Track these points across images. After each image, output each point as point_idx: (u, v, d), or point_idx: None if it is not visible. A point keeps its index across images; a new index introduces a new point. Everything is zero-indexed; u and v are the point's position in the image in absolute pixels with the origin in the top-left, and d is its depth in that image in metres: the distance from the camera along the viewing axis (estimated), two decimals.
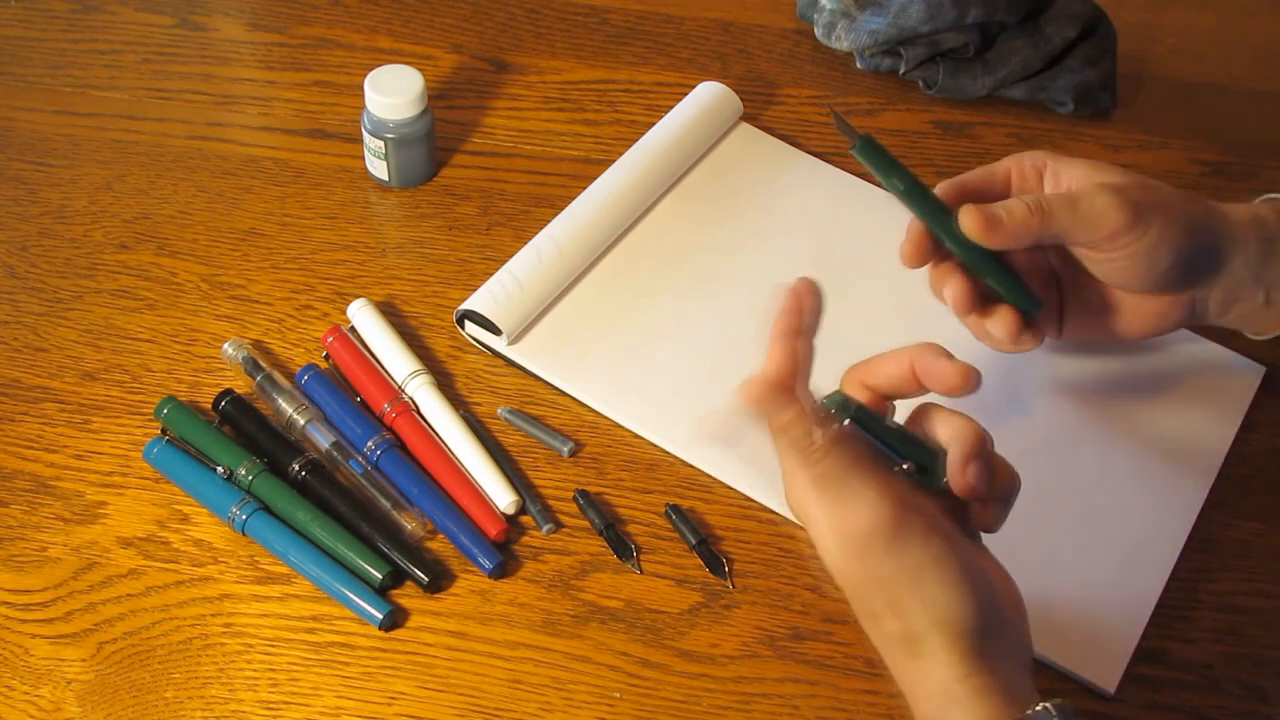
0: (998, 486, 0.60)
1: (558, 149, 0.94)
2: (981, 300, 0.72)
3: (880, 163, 0.70)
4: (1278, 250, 0.73)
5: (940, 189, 0.72)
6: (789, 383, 0.60)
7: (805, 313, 0.61)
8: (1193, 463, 0.78)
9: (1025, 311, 0.72)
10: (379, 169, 0.89)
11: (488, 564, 0.71)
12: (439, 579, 0.71)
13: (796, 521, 0.60)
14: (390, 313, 0.83)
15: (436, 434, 0.77)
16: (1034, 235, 0.69)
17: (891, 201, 0.90)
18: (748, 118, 0.95)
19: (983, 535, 0.61)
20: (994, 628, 0.57)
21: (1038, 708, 0.55)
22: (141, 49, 0.98)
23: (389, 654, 0.69)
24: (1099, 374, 0.80)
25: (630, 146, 0.90)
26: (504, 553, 0.72)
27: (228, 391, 0.77)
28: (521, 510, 0.74)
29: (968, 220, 0.69)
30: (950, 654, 0.56)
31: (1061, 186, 0.72)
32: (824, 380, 0.63)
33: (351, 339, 0.80)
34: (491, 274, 0.82)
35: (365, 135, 0.88)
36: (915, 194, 0.70)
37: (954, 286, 0.71)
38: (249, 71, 0.98)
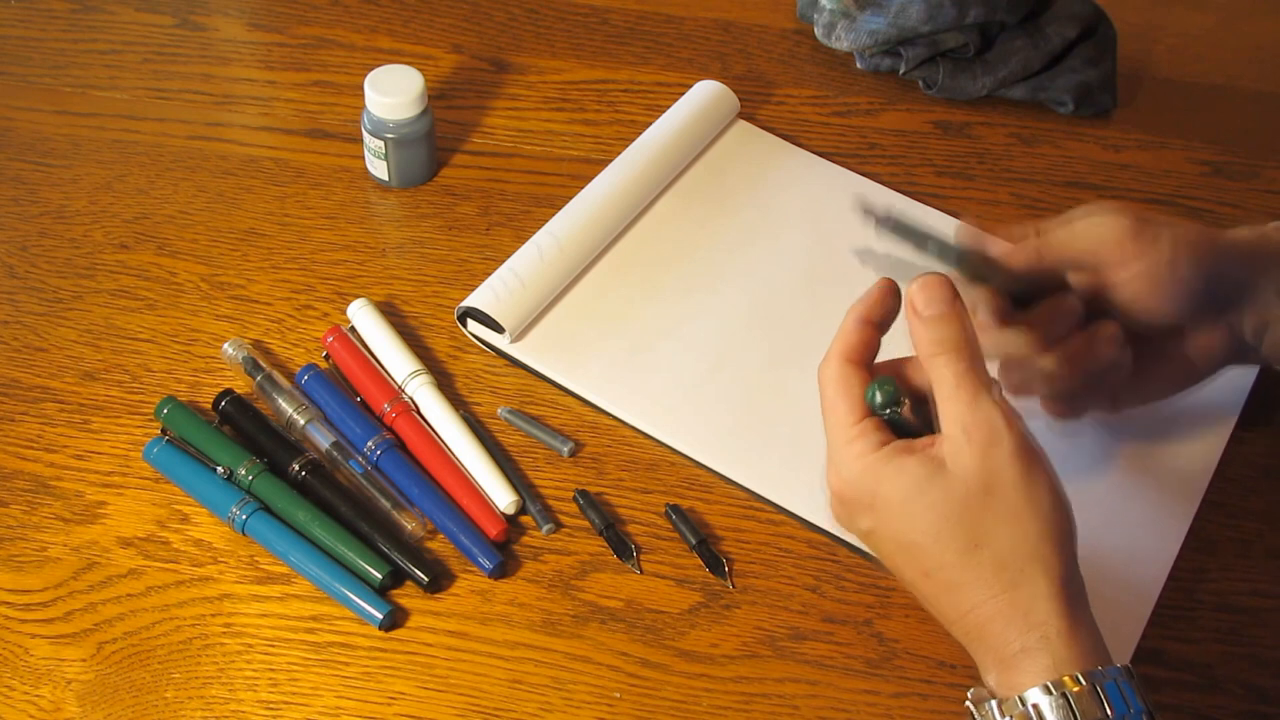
0: None
1: (558, 149, 0.94)
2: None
3: (911, 233, 0.67)
4: None
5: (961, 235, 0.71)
6: (862, 361, 0.63)
7: (884, 308, 0.64)
8: (1190, 461, 0.78)
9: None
10: (379, 169, 0.89)
11: (488, 564, 0.71)
12: (439, 579, 0.71)
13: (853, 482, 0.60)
14: (390, 313, 0.83)
15: (436, 434, 0.77)
16: (1034, 253, 0.69)
17: (889, 199, 0.91)
18: (748, 118, 0.95)
19: None
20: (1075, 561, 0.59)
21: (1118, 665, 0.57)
22: (141, 49, 0.98)
23: (389, 654, 0.69)
24: None
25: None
26: (504, 553, 0.72)
27: (228, 391, 0.77)
28: (521, 510, 0.74)
29: (963, 232, 0.69)
30: (1050, 585, 0.57)
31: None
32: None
33: (351, 339, 0.80)
34: (492, 273, 0.82)
35: (365, 135, 0.88)
36: (948, 250, 0.68)
37: (985, 298, 0.70)
38: (249, 71, 0.98)
